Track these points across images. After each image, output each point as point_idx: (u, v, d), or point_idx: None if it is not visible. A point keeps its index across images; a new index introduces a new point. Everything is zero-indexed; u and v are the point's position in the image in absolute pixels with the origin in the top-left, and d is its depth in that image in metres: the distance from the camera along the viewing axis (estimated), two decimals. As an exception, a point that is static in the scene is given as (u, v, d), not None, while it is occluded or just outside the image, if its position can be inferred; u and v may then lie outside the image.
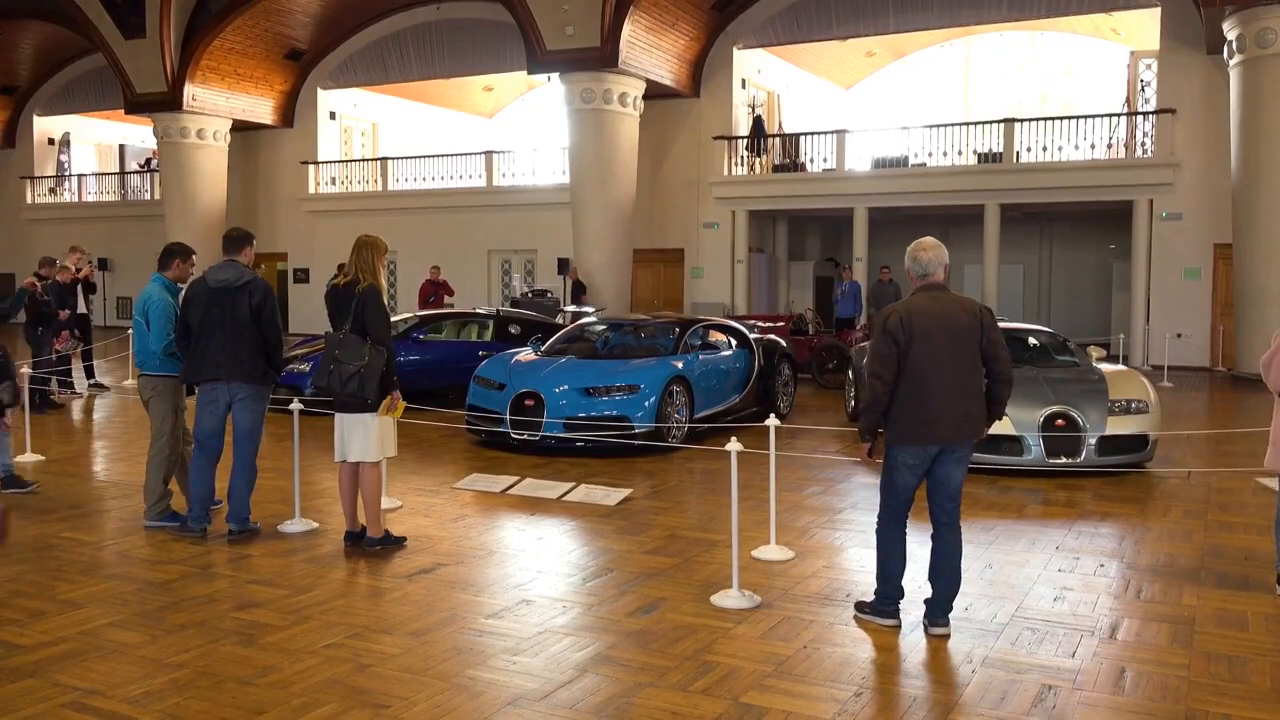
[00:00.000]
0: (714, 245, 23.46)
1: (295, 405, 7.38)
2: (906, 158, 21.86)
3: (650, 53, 21.24)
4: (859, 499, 8.16)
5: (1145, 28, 21.23)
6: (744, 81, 23.67)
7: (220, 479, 6.98)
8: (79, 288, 14.01)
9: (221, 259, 6.85)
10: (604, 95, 20.78)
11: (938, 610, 5.07)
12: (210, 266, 6.82)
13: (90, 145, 34.17)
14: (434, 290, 20.15)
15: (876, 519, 5.24)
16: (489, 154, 25.87)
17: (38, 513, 7.48)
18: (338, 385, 6.31)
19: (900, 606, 5.18)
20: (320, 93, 27.64)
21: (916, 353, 4.91)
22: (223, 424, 6.85)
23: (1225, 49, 17.56)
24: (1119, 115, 21.15)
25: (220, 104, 25.66)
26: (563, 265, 23.09)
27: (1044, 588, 5.81)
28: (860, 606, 5.31)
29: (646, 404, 9.85)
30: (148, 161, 32.05)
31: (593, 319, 13.68)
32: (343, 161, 28.04)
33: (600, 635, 5.02)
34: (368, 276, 6.40)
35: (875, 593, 5.23)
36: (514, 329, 14.36)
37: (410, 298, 22.48)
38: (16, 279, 27.18)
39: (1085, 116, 20.96)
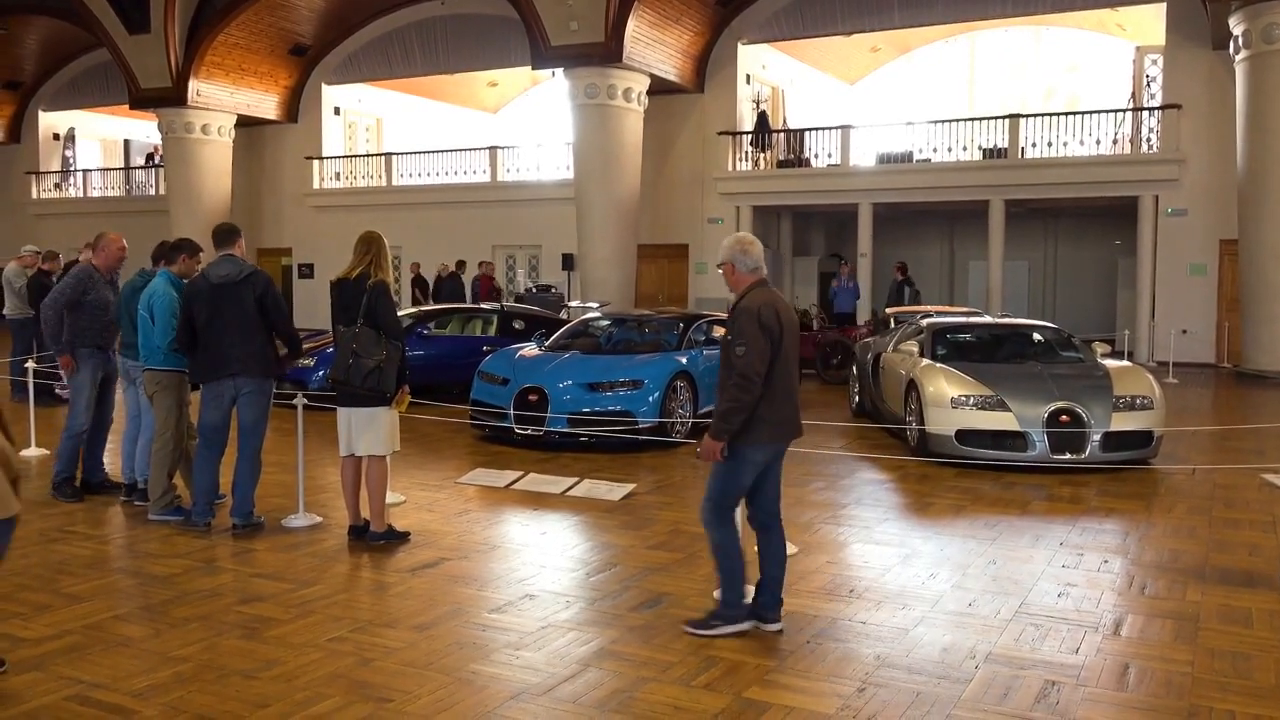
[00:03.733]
0: (718, 241, 23.14)
1: (299, 400, 7.39)
2: (911, 153, 21.82)
3: (654, 48, 21.22)
4: (863, 494, 8.16)
5: (1151, 23, 21.17)
6: (748, 77, 23.62)
7: (225, 473, 7.00)
8: None
9: (216, 255, 6.84)
10: (608, 90, 20.76)
11: (777, 605, 4.96)
12: (209, 263, 6.82)
13: (95, 141, 34.17)
14: (491, 286, 20.68)
15: (707, 523, 4.92)
16: (493, 149, 25.84)
17: (42, 506, 7.50)
18: (358, 380, 6.33)
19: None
20: (325, 88, 27.64)
21: (785, 348, 4.89)
22: (227, 418, 6.87)
23: (1231, 44, 17.50)
24: (1124, 111, 21.10)
25: (225, 99, 25.68)
26: (567, 260, 23.07)
27: (1048, 584, 5.80)
28: (702, 624, 4.92)
29: (650, 399, 9.85)
30: (149, 157, 32.04)
31: (597, 314, 13.68)
32: (347, 157, 28.06)
33: (603, 630, 5.02)
34: (378, 272, 6.41)
35: (726, 601, 4.92)
36: (518, 324, 14.38)
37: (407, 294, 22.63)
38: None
39: (1090, 112, 20.90)
